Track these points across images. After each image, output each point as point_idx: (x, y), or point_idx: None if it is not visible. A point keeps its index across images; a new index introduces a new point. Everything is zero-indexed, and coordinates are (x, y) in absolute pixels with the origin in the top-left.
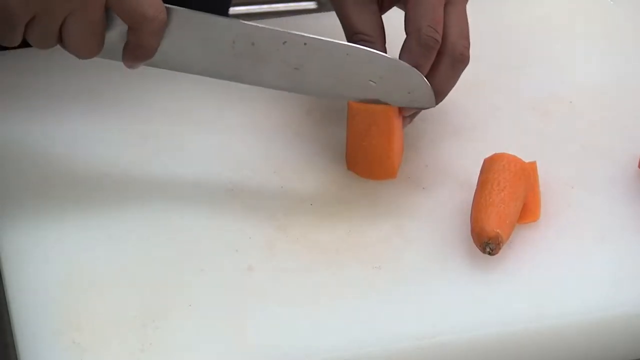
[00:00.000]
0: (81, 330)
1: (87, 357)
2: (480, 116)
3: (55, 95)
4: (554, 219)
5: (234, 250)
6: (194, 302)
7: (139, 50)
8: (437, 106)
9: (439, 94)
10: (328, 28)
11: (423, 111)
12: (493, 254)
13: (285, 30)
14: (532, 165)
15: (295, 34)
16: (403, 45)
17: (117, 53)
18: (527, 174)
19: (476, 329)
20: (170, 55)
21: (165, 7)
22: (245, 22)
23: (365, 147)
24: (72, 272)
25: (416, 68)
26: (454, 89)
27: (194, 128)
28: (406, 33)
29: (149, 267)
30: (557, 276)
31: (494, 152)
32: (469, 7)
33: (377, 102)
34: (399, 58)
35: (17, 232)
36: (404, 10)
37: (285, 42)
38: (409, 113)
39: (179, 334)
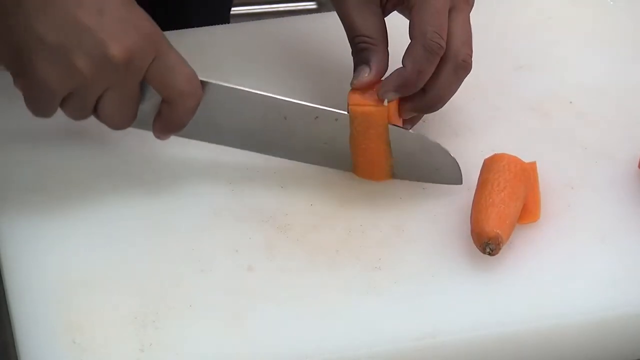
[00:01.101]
0: (81, 330)
1: (87, 357)
2: (480, 116)
3: None
4: (554, 219)
5: (234, 250)
6: (194, 302)
7: (171, 123)
8: None
9: (440, 100)
10: (328, 28)
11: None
12: (493, 254)
13: (317, 106)
14: (532, 166)
15: (327, 110)
16: (407, 49)
17: (148, 123)
18: (527, 175)
19: (476, 329)
20: (200, 127)
21: (201, 81)
22: (277, 96)
23: (364, 149)
24: (72, 272)
25: (419, 73)
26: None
27: None
28: (410, 38)
29: (149, 267)
30: (557, 276)
31: (494, 152)
32: None
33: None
34: (402, 62)
35: (17, 232)
36: (407, 16)
37: (317, 117)
38: (408, 116)
39: (179, 334)
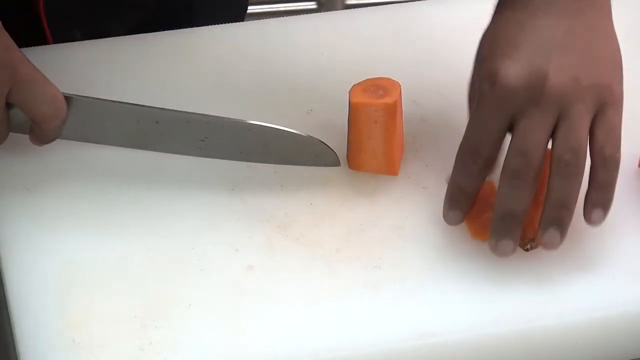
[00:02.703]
0: (81, 330)
1: (86, 356)
2: None
3: None
4: None
5: (234, 250)
6: (194, 302)
7: (41, 139)
8: (437, 106)
9: (605, 207)
10: (328, 28)
11: (423, 111)
12: (530, 250)
13: (187, 112)
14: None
15: (198, 115)
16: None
17: (26, 129)
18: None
19: (476, 329)
20: (77, 134)
21: (65, 97)
22: (148, 106)
23: (366, 141)
24: (72, 272)
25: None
26: (455, 90)
27: None
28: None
29: (149, 266)
30: (557, 275)
31: None
32: (470, 8)
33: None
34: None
35: (17, 232)
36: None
37: (189, 121)
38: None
39: (179, 334)
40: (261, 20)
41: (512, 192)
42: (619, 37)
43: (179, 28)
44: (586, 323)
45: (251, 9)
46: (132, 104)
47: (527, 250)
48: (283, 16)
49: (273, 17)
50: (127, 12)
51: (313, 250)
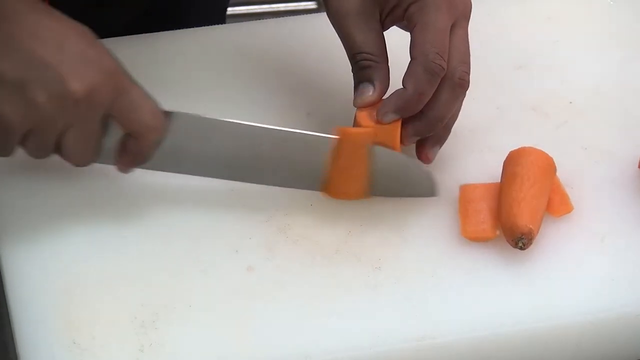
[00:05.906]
0: (81, 330)
1: (87, 357)
2: (480, 116)
3: None
4: (553, 219)
5: (234, 251)
6: (194, 303)
7: (136, 157)
8: None
9: (440, 120)
10: (328, 28)
11: None
12: (524, 249)
13: (288, 130)
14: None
15: (298, 133)
16: (408, 70)
17: (109, 158)
18: (551, 168)
19: (476, 329)
20: (165, 158)
21: (165, 112)
22: (248, 123)
23: (346, 168)
24: (72, 272)
25: (420, 95)
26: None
27: None
28: (411, 57)
29: (149, 267)
30: (557, 276)
31: (493, 153)
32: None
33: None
34: (403, 83)
35: (17, 232)
36: (409, 31)
37: (287, 141)
38: (412, 142)
39: (179, 334)
40: (261, 21)
41: (429, 90)
42: (617, 36)
43: (169, 29)
44: (586, 324)
45: (250, 9)
46: (233, 121)
47: (520, 248)
48: (283, 16)
49: (273, 17)
50: (120, 13)
51: (313, 252)
